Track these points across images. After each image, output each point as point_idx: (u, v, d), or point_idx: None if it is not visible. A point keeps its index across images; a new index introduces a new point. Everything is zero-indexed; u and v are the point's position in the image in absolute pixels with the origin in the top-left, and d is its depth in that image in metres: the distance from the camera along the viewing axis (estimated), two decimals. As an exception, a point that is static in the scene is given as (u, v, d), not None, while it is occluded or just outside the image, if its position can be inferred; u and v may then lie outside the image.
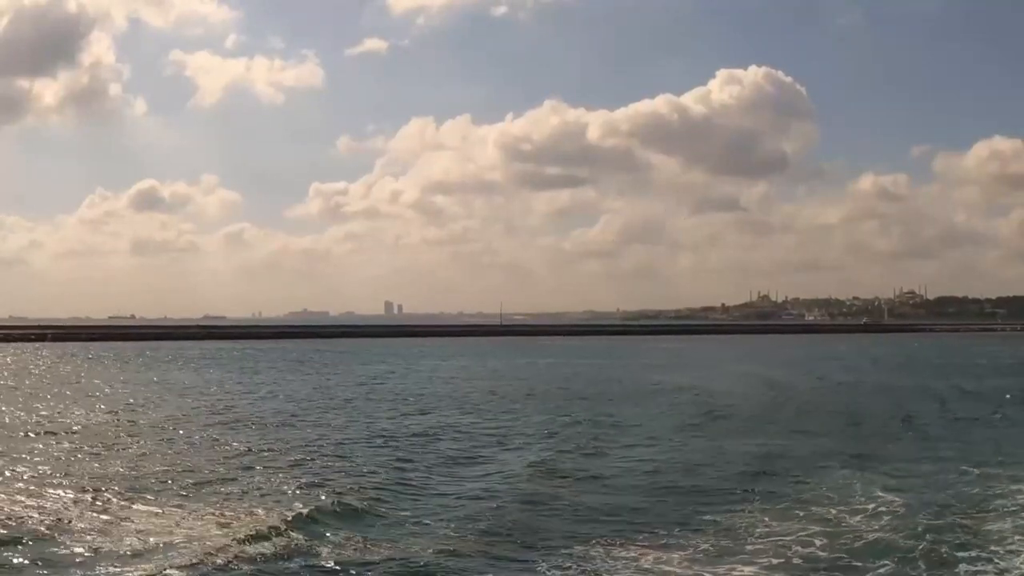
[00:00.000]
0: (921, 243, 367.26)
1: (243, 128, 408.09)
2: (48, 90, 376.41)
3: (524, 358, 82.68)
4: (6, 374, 60.72)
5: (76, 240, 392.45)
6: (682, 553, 14.99)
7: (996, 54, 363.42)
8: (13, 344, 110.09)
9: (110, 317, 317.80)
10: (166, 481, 20.77)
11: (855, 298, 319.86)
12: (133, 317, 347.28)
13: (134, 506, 18.08)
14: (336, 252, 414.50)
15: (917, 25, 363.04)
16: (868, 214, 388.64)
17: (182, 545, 14.84)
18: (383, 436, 29.24)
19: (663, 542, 15.71)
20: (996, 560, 14.41)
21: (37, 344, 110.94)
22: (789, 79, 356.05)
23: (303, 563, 14.15)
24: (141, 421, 33.11)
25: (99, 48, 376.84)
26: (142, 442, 27.37)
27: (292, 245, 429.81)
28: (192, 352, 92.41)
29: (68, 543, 15.07)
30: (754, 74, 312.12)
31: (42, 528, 16.01)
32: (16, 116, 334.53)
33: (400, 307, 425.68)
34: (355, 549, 15.03)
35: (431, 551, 14.88)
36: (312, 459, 24.28)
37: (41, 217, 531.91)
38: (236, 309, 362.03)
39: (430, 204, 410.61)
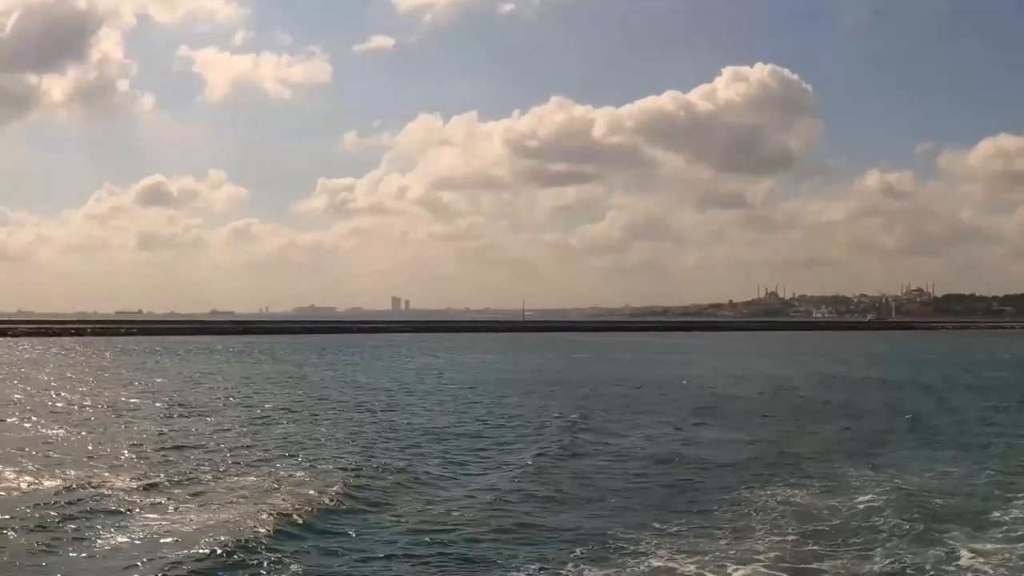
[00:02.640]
0: (927, 240, 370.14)
1: (250, 124, 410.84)
2: (56, 86, 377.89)
3: (558, 352, 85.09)
4: (86, 367, 62.45)
5: (83, 235, 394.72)
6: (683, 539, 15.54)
7: (1001, 52, 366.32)
8: (53, 339, 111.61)
9: (117, 312, 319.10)
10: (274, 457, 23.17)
11: (862, 295, 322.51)
12: (140, 312, 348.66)
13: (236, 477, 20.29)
14: (342, 247, 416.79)
15: (922, 23, 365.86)
16: (873, 211, 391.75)
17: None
18: (467, 421, 32.08)
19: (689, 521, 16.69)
20: (996, 549, 14.55)
21: (76, 338, 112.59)
22: (795, 77, 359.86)
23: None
24: (253, 407, 35.56)
25: (107, 44, 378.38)
26: (280, 424, 30.01)
27: (298, 240, 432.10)
28: (237, 345, 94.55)
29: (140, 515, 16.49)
30: (760, 71, 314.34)
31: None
32: (24, 112, 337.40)
33: (407, 303, 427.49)
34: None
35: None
36: (437, 441, 26.86)
37: (48, 212, 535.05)
38: (243, 304, 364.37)
39: (436, 200, 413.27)
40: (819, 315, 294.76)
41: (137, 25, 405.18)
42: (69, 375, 53.57)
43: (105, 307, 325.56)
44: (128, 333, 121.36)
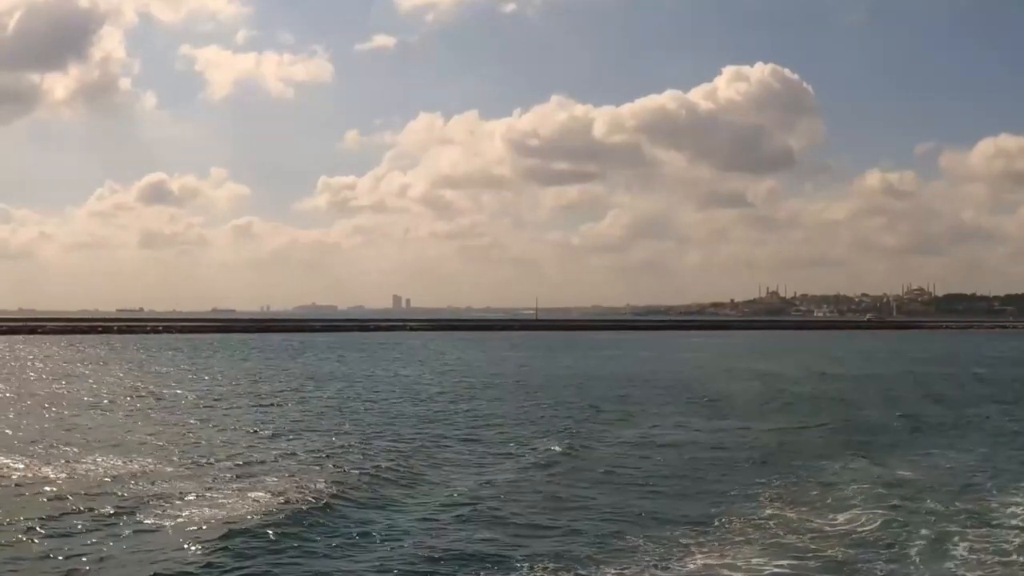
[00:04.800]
0: (928, 239, 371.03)
1: (252, 122, 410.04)
2: (59, 84, 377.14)
3: (583, 350, 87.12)
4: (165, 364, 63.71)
5: (85, 233, 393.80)
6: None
7: (1001, 51, 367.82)
8: (80, 336, 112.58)
9: (118, 310, 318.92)
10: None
11: (863, 294, 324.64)
12: (141, 310, 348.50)
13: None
14: (344, 246, 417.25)
15: (923, 22, 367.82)
16: (874, 210, 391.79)
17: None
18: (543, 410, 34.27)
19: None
20: (994, 546, 15.05)
21: (105, 336, 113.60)
22: (795, 76, 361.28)
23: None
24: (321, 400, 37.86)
25: (110, 43, 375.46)
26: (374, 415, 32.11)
27: (300, 238, 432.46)
28: (266, 343, 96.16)
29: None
30: (760, 71, 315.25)
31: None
32: (27, 109, 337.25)
33: (408, 301, 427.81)
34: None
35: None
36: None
37: (51, 210, 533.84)
38: (244, 302, 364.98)
39: (438, 198, 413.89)
40: (820, 314, 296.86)
41: (139, 24, 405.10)
42: (138, 372, 55.06)
43: (107, 304, 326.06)
44: (153, 331, 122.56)
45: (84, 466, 21.30)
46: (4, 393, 39.76)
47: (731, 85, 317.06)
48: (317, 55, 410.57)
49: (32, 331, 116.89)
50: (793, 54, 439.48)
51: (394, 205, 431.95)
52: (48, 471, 20.55)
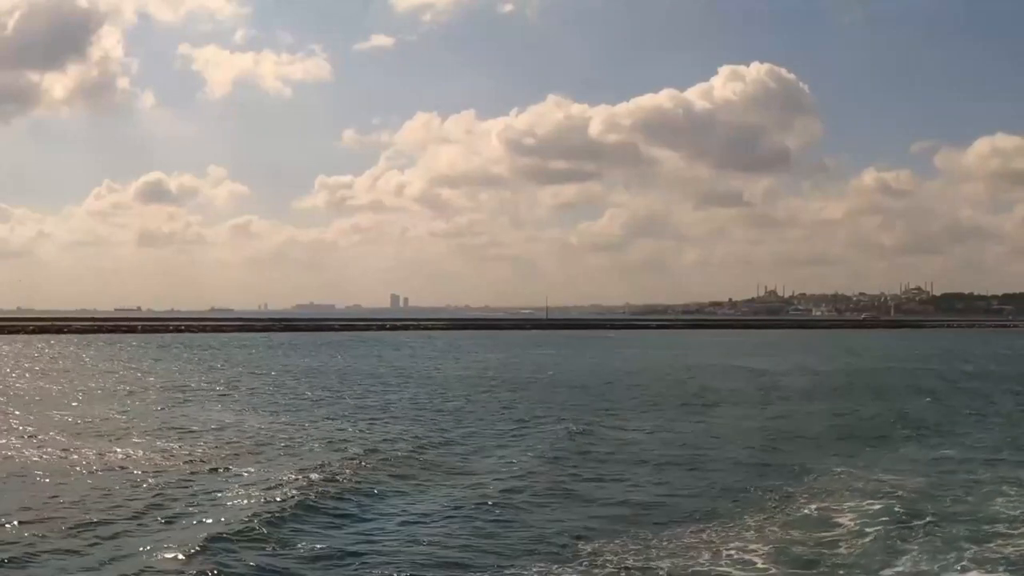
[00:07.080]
0: (925, 239, 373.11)
1: (250, 121, 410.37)
2: (58, 83, 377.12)
3: (599, 348, 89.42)
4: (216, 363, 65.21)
5: (84, 231, 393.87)
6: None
7: (997, 51, 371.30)
8: (108, 335, 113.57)
9: (116, 309, 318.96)
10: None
11: (861, 294, 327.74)
12: (139, 309, 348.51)
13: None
14: (342, 244, 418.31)
15: (919, 22, 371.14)
16: (871, 209, 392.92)
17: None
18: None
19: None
20: (993, 547, 14.90)
21: (131, 335, 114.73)
22: (792, 76, 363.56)
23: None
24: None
25: (108, 42, 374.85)
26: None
27: (298, 237, 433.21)
28: (289, 340, 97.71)
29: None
30: (757, 71, 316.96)
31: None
32: (26, 108, 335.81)
33: (406, 300, 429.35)
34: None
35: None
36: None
37: (49, 208, 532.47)
38: (242, 301, 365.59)
39: (436, 197, 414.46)
40: (818, 313, 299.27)
41: (138, 24, 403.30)
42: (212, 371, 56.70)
43: (105, 303, 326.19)
44: (176, 330, 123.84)
45: (190, 449, 23.72)
46: (95, 390, 41.59)
47: (728, 84, 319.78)
48: (315, 54, 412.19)
49: (60, 330, 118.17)
50: (789, 53, 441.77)
51: (392, 204, 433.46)
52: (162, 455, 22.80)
